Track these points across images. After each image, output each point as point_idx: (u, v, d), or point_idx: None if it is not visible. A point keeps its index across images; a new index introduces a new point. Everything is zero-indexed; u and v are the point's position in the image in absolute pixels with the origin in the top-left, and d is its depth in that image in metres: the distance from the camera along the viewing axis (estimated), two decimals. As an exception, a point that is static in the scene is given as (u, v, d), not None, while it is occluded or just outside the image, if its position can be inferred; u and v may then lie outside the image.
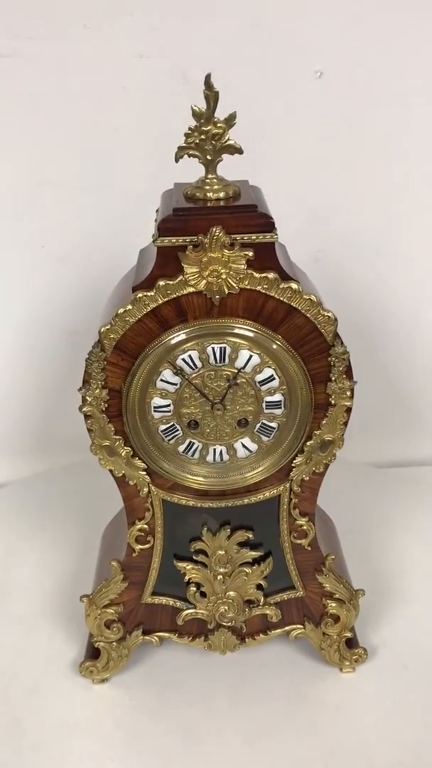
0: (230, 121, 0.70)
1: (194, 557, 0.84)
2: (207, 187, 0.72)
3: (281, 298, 0.70)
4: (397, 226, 1.21)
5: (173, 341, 0.72)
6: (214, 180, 0.72)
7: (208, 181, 0.72)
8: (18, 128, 1.14)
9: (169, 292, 0.69)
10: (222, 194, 0.72)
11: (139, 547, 0.83)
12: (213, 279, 0.69)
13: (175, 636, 0.88)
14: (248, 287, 0.70)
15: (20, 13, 1.07)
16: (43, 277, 1.24)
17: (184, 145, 0.71)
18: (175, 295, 0.70)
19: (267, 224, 0.69)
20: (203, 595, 0.85)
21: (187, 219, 0.68)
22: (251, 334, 0.72)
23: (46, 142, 1.15)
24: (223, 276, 0.69)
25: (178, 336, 0.71)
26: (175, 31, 1.09)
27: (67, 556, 1.10)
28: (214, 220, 0.68)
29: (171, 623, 0.88)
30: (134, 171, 1.15)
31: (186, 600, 0.86)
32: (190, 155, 0.72)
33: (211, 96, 0.69)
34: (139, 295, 0.70)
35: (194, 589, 0.85)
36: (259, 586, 0.85)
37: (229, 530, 0.82)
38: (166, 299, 0.70)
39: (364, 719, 0.85)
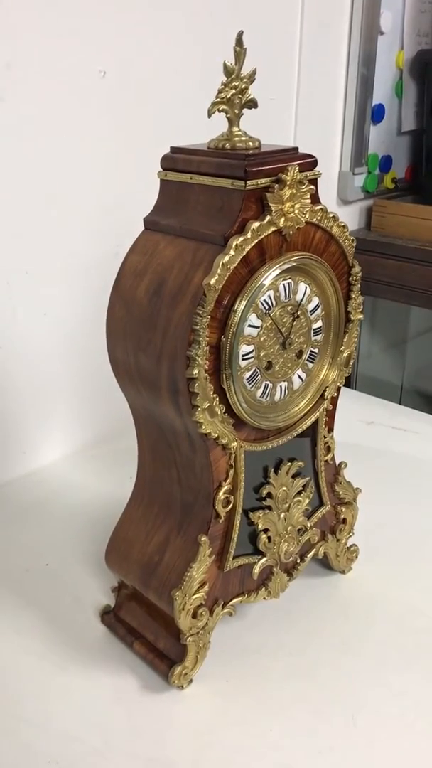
0: (252, 76, 0.76)
1: (263, 503, 0.86)
2: (236, 139, 0.76)
3: (326, 227, 0.79)
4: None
5: (258, 282, 0.74)
6: (240, 132, 0.77)
7: (236, 133, 0.77)
8: None
9: (259, 233, 0.73)
10: (250, 144, 0.77)
11: (224, 510, 0.81)
12: (291, 215, 0.74)
13: (244, 597, 0.88)
14: (308, 220, 0.77)
15: None
16: None
17: (218, 100, 0.75)
18: (261, 236, 0.73)
19: (314, 162, 0.77)
20: (269, 540, 0.87)
21: (264, 162, 0.72)
22: (307, 266, 0.79)
23: None
24: (296, 211, 0.75)
25: (262, 277, 0.74)
26: None
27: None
28: (280, 162, 0.74)
29: (240, 587, 0.88)
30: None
31: (256, 552, 0.87)
32: (220, 110, 0.75)
33: (241, 53, 0.74)
34: (237, 241, 0.71)
35: (264, 536, 0.87)
36: (304, 512, 0.91)
37: (288, 464, 0.87)
38: (254, 242, 0.73)
39: (370, 590, 1.02)
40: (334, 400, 0.90)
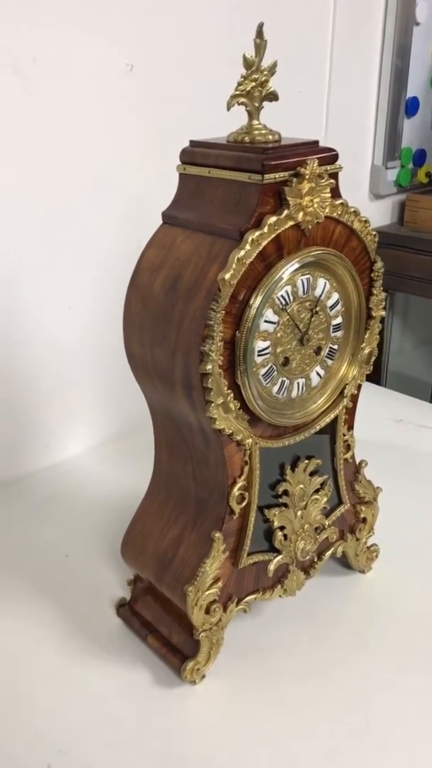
0: (272, 69, 0.75)
1: (279, 500, 0.85)
2: (256, 132, 0.75)
3: (346, 222, 0.78)
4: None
5: (275, 277, 0.73)
6: (260, 125, 0.76)
7: (255, 126, 0.76)
8: None
9: (276, 228, 0.72)
10: (270, 137, 0.76)
11: (238, 507, 0.81)
12: (310, 209, 0.73)
13: (259, 594, 0.88)
14: (328, 214, 0.76)
15: None
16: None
17: (237, 93, 0.74)
18: (279, 231, 0.72)
19: (334, 155, 0.76)
20: (285, 537, 0.87)
21: (282, 156, 0.71)
22: (327, 261, 0.78)
23: None
24: (315, 206, 0.74)
25: (279, 272, 0.74)
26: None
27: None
28: (300, 155, 0.72)
29: (254, 584, 0.87)
30: None
31: (272, 549, 0.86)
32: (240, 103, 0.74)
33: (261, 45, 0.73)
34: (254, 236, 0.70)
35: (280, 533, 0.86)
36: (322, 510, 0.90)
37: (306, 461, 0.86)
38: (271, 236, 0.72)
39: (391, 591, 1.00)
40: (354, 398, 0.89)
